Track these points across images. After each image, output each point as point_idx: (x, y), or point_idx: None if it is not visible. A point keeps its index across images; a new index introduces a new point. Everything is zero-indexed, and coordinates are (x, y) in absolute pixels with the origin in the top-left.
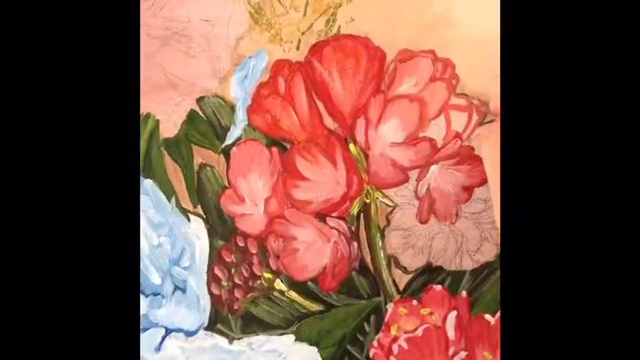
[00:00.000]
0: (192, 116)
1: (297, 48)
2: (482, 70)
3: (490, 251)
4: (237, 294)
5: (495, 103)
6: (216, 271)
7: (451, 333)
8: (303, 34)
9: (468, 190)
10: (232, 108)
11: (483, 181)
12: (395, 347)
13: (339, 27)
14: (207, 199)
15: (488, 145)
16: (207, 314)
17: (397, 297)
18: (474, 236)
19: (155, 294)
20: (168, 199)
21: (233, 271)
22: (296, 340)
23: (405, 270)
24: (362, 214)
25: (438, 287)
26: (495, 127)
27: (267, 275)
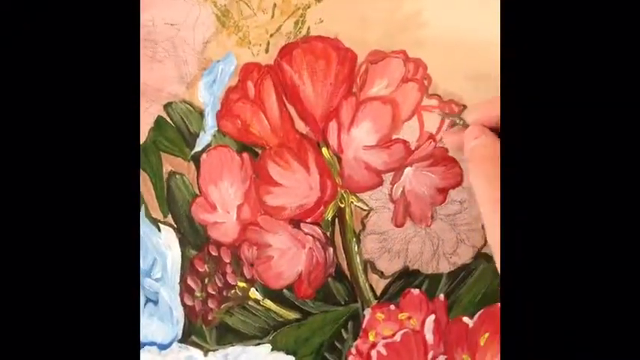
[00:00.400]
0: (159, 123)
1: (266, 51)
2: (454, 71)
3: (466, 253)
4: (212, 304)
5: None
6: (189, 281)
7: (430, 337)
8: (271, 36)
9: (443, 191)
10: (201, 114)
11: (458, 183)
12: (373, 353)
13: (309, 28)
14: (177, 208)
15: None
16: (181, 326)
17: (374, 302)
18: (450, 238)
19: None
20: None
21: (206, 281)
22: (273, 349)
23: (381, 275)
24: (337, 219)
25: (416, 291)
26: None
27: (242, 284)
